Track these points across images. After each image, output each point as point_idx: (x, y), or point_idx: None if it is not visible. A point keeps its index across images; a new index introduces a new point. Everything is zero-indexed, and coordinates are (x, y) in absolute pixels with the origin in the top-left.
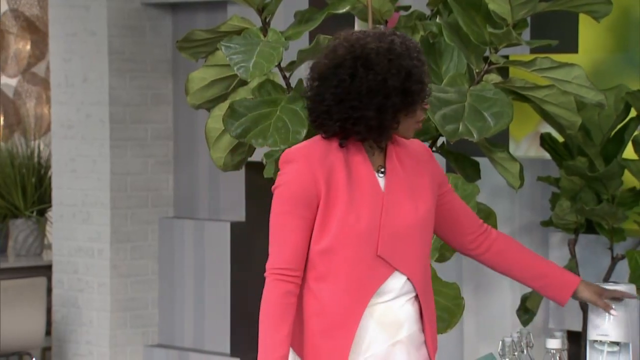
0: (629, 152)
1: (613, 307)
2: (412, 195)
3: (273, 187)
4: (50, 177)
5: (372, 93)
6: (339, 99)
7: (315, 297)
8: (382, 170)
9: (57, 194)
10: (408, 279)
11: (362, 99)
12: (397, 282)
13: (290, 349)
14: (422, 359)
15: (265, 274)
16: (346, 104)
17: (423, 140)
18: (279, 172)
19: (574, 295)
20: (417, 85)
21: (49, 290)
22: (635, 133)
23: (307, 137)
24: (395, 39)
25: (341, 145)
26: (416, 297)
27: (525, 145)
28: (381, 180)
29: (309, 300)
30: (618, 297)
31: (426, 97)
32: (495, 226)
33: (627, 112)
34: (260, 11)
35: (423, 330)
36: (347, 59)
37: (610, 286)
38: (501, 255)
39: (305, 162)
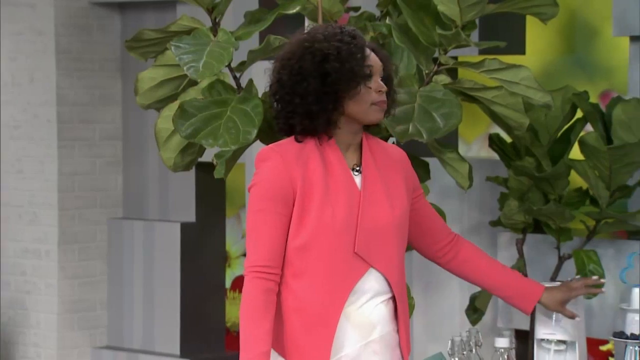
0: (575, 153)
1: (578, 315)
2: (388, 194)
3: (249, 186)
4: None
5: (293, 81)
6: (277, 98)
7: (293, 293)
8: (358, 168)
9: (4, 194)
10: (385, 277)
11: (288, 90)
12: (373, 281)
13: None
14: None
15: (244, 273)
16: (282, 100)
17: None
18: (255, 172)
19: (539, 304)
20: (335, 64)
21: None
22: (582, 134)
23: (258, 137)
24: (319, 28)
25: (297, 141)
26: (392, 297)
27: (476, 147)
28: (357, 179)
29: (287, 297)
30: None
31: (365, 77)
32: None
33: (574, 113)
34: (210, 11)
35: (398, 331)
36: (278, 60)
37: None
38: (467, 264)
39: (280, 160)
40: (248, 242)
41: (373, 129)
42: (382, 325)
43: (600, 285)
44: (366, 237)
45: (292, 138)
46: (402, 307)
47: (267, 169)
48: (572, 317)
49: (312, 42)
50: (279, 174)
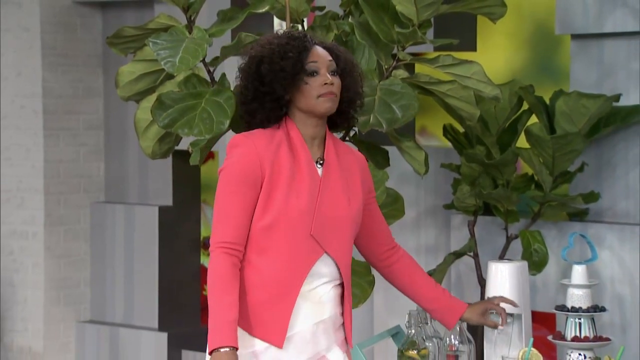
0: (521, 142)
1: (500, 324)
2: (346, 189)
3: (219, 169)
4: None
5: (244, 82)
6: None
7: (256, 269)
8: (321, 162)
9: None
10: (336, 264)
11: (242, 89)
12: (327, 266)
13: None
14: (339, 340)
15: (210, 249)
16: (243, 99)
17: (336, 131)
18: (226, 157)
19: (462, 319)
20: (267, 65)
21: None
22: (527, 124)
23: (230, 127)
24: (268, 34)
25: (264, 127)
26: (340, 284)
27: None
28: (319, 170)
29: (249, 273)
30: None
31: (303, 73)
32: (402, 210)
33: (520, 105)
34: (186, 10)
35: (342, 314)
36: (249, 58)
37: (495, 301)
38: (402, 274)
39: (251, 146)
40: (215, 220)
41: (342, 124)
42: (331, 307)
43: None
44: (322, 222)
45: (261, 128)
46: (347, 293)
47: (239, 154)
48: (494, 326)
49: (256, 50)
50: (250, 160)
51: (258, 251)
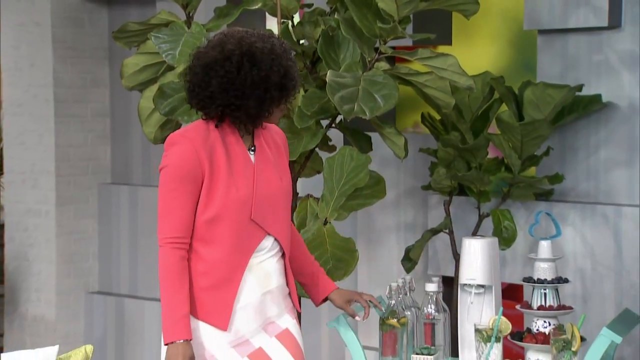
0: (493, 128)
1: (360, 317)
2: (277, 169)
3: (160, 167)
4: (2, 149)
5: (255, 86)
6: (224, 88)
7: (202, 259)
8: (253, 148)
9: (9, 163)
10: (277, 240)
11: (245, 90)
12: (268, 242)
13: None
14: (289, 307)
15: (159, 244)
16: (231, 93)
17: (323, 118)
18: (164, 154)
19: (328, 299)
20: (292, 82)
21: (2, 246)
22: (498, 112)
23: None
24: (275, 41)
25: (216, 126)
26: (282, 255)
27: None
28: (252, 157)
29: (195, 263)
30: (366, 303)
31: (296, 92)
32: (384, 191)
33: (492, 94)
34: (185, 7)
35: (288, 284)
36: (235, 54)
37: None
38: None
39: (189, 144)
40: (161, 216)
41: (324, 108)
42: (277, 277)
43: (378, 309)
44: (260, 205)
45: (198, 123)
46: (289, 264)
47: (178, 152)
48: (352, 315)
49: (277, 56)
50: (188, 157)
51: (203, 242)
